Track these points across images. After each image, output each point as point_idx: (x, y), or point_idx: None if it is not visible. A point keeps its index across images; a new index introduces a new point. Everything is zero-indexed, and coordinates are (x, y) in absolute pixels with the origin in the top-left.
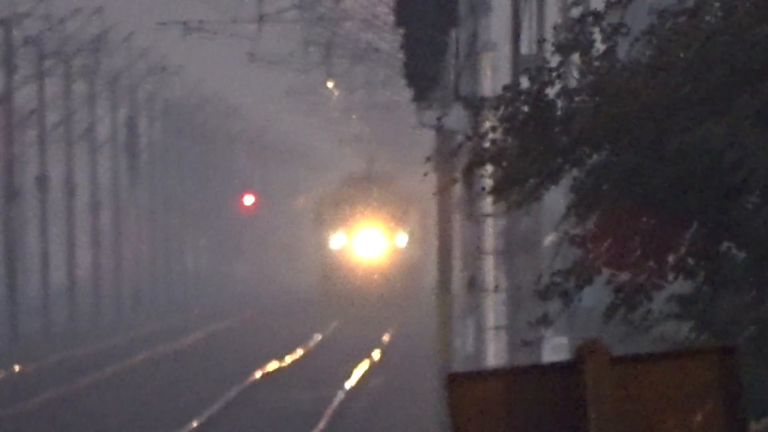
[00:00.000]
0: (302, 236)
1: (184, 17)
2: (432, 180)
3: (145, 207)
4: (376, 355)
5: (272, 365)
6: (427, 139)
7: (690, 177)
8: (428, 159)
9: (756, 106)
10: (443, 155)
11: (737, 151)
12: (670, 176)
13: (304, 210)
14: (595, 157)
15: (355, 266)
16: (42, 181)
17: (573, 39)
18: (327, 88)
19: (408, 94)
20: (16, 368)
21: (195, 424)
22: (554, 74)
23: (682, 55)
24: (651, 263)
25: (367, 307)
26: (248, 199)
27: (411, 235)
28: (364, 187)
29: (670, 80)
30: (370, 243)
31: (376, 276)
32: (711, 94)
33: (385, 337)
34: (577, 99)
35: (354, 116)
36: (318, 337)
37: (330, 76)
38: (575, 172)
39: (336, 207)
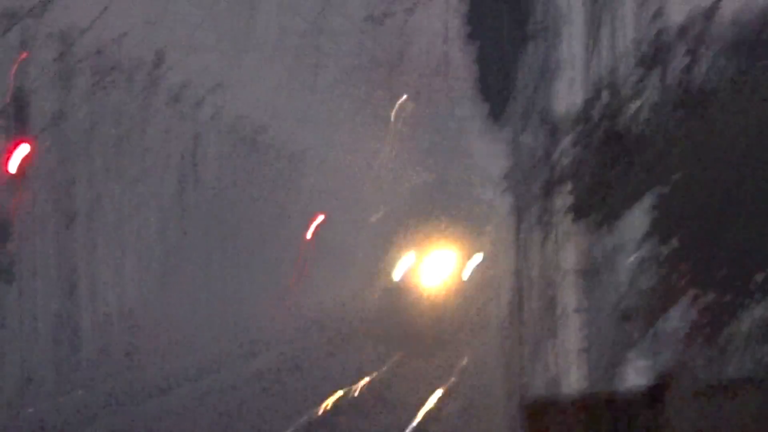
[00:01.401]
0: (372, 255)
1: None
2: (508, 197)
3: (212, 220)
4: (452, 380)
5: (344, 390)
6: (502, 154)
7: None
8: (505, 177)
9: None
10: (520, 173)
11: None
12: (758, 189)
13: (370, 228)
14: (678, 173)
15: (423, 290)
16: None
17: (654, 53)
18: (397, 102)
19: (481, 108)
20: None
21: None
22: (634, 89)
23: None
24: (737, 283)
25: (438, 334)
26: (313, 223)
27: (485, 254)
28: (431, 203)
29: (758, 92)
30: (439, 266)
31: (446, 300)
32: None
33: (462, 362)
34: (658, 114)
35: (423, 128)
36: (390, 361)
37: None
38: (658, 189)
39: (400, 225)
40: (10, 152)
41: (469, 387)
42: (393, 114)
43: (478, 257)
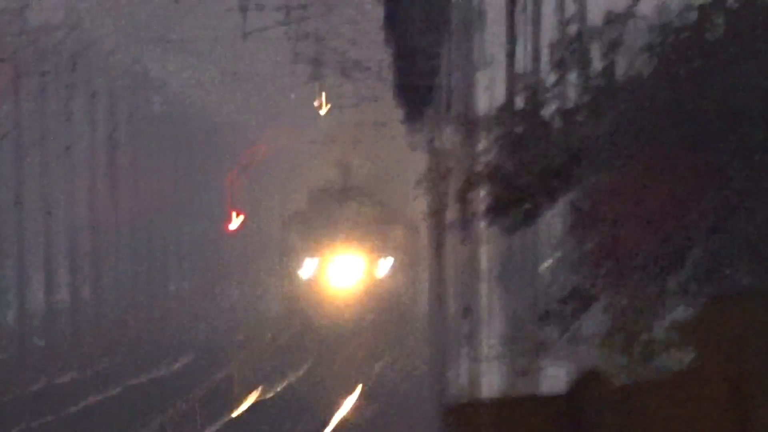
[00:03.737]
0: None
1: (166, 34)
2: (426, 200)
3: (125, 228)
4: (369, 384)
5: (260, 393)
6: (420, 157)
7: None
8: (420, 182)
9: None
10: (436, 176)
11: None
12: (675, 194)
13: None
14: (594, 176)
15: (328, 299)
16: (18, 203)
17: (570, 56)
18: (314, 105)
19: (399, 112)
20: None
21: None
22: (550, 93)
23: (682, 71)
24: (652, 288)
25: (347, 343)
26: (234, 223)
27: (396, 259)
28: (339, 203)
29: (675, 93)
30: (346, 271)
31: (354, 309)
32: (717, 110)
33: (378, 367)
34: (575, 116)
35: (342, 135)
36: (305, 365)
37: (318, 93)
38: (574, 192)
39: (305, 228)
40: None
41: (386, 391)
42: (317, 111)
43: (387, 263)
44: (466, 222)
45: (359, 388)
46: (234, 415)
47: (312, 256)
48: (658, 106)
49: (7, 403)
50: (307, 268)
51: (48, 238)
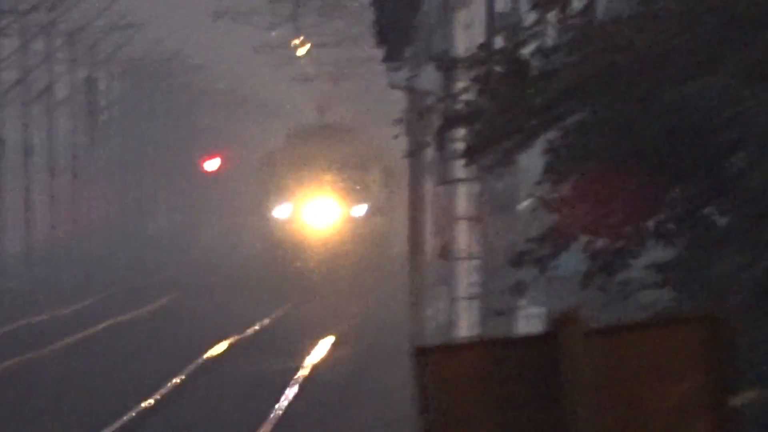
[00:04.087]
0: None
1: None
2: (402, 141)
3: (106, 168)
4: (343, 327)
5: (237, 334)
6: (398, 98)
7: (680, 134)
8: (398, 121)
9: (752, 59)
10: (414, 117)
11: (732, 107)
12: (658, 133)
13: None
14: (571, 117)
15: (304, 240)
16: None
17: None
18: (294, 44)
19: (379, 52)
20: None
21: (158, 395)
22: (529, 33)
23: (671, 5)
24: (629, 228)
25: (324, 285)
26: (212, 164)
27: (373, 199)
28: (316, 143)
29: (659, 31)
30: (322, 212)
31: (331, 250)
32: (704, 46)
33: (353, 309)
34: (553, 58)
35: (322, 72)
36: (281, 307)
37: (298, 32)
38: (551, 133)
39: (281, 168)
40: None
41: (361, 333)
42: (295, 52)
43: (362, 206)
44: (444, 161)
45: (337, 329)
46: (210, 354)
47: (288, 196)
48: (643, 42)
49: None
50: (282, 209)
51: (27, 179)
